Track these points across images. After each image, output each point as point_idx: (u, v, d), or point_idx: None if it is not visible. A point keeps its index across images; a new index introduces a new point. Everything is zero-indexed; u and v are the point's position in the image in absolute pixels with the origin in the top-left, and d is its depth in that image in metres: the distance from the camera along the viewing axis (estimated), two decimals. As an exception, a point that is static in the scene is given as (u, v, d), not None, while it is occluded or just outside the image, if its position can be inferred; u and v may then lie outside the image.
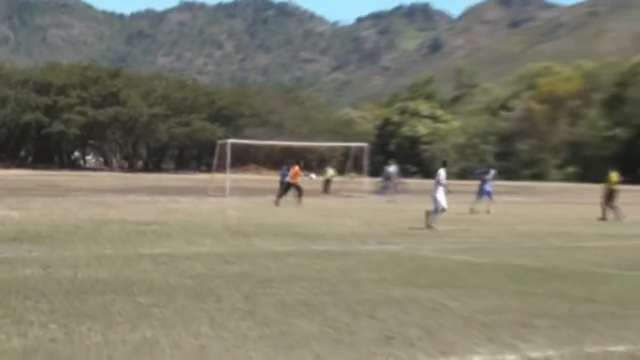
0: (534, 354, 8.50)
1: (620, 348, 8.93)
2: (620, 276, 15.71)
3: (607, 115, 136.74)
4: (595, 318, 10.87)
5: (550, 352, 8.60)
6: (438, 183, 28.75)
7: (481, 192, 39.35)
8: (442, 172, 29.17)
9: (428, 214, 27.89)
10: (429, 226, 27.00)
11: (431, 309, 11.17)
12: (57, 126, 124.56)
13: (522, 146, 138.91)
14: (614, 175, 36.42)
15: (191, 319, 9.96)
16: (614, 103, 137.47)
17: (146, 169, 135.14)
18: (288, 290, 12.57)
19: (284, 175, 48.39)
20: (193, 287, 12.72)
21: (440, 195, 28.28)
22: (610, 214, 34.81)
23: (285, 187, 44.02)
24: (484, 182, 39.93)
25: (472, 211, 36.61)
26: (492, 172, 42.79)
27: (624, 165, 65.03)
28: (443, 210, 28.16)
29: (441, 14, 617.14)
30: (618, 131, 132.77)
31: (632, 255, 20.14)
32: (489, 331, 9.68)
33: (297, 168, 45.18)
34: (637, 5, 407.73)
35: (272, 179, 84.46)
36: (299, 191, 42.85)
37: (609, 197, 35.58)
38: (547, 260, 18.37)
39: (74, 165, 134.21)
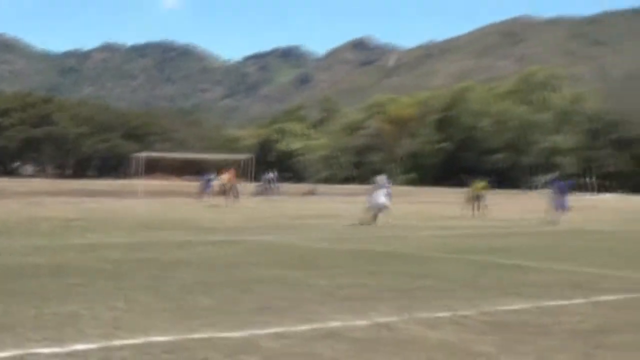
0: (381, 320, 8.60)
1: (446, 314, 9.11)
2: (447, 259, 16.01)
3: (437, 133, 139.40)
4: (427, 291, 11.07)
5: (393, 318, 8.72)
6: (380, 187, 28.46)
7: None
8: (383, 178, 29.17)
9: (374, 217, 27.31)
10: (387, 222, 26.66)
11: (299, 286, 11.21)
12: (0, 141, 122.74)
13: (374, 157, 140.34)
14: (480, 184, 36.34)
15: (109, 295, 9.83)
16: (442, 123, 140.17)
17: (74, 176, 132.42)
18: (187, 272, 12.51)
19: (207, 180, 47.67)
20: (111, 270, 12.56)
21: (382, 196, 27.99)
22: (475, 211, 34.18)
23: (224, 190, 42.92)
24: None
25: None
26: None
27: (449, 171, 66.27)
28: (385, 207, 27.90)
29: (309, 54, 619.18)
30: (445, 145, 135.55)
31: (457, 242, 20.54)
32: (345, 302, 9.76)
33: (233, 172, 44.68)
34: (460, 51, 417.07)
35: (176, 184, 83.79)
36: (236, 192, 42.62)
37: (476, 199, 35.41)
38: (391, 246, 18.61)
39: (14, 173, 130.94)
